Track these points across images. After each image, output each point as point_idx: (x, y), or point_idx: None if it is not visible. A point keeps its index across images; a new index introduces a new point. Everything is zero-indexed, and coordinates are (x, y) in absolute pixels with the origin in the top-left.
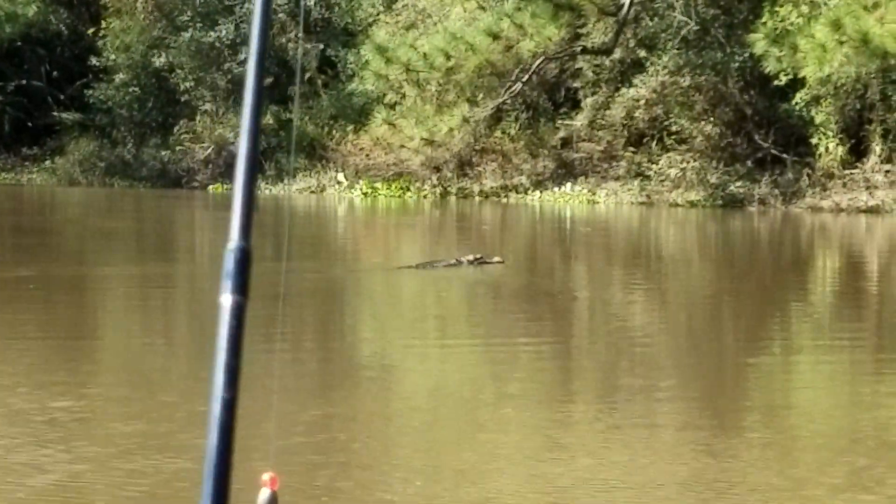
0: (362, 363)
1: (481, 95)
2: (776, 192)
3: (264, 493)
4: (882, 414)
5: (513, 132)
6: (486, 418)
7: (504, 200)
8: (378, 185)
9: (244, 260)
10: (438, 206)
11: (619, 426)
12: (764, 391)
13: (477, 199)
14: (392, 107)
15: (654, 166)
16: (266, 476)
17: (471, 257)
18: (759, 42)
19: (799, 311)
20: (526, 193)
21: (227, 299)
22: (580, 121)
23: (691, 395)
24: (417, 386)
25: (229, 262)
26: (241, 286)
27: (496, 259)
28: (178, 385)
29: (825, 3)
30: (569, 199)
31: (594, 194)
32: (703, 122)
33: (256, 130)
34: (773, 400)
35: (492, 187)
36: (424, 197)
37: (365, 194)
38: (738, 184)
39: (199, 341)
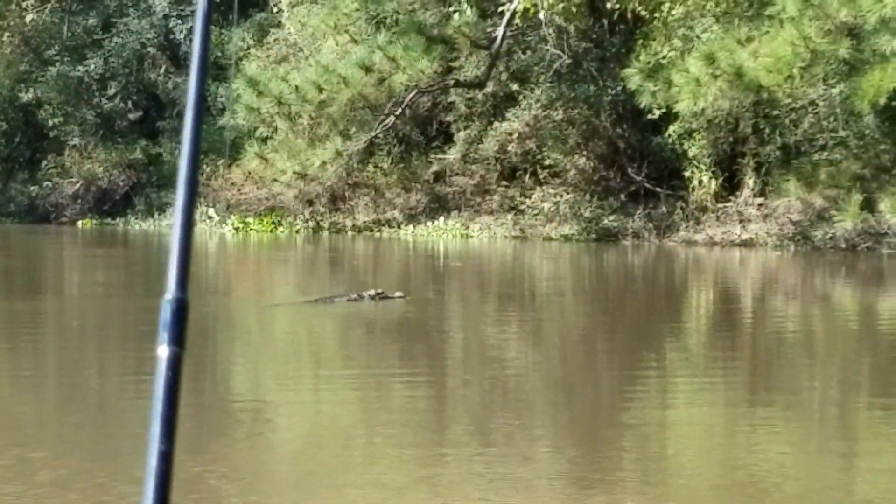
0: (237, 411)
1: (354, 129)
2: (650, 225)
3: None
4: (756, 458)
5: (385, 166)
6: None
7: (377, 235)
8: (250, 219)
9: (181, 311)
10: (311, 241)
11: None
12: (635, 431)
13: (350, 233)
14: (264, 140)
15: (527, 200)
16: None
17: (372, 292)
18: (633, 77)
19: (671, 345)
20: (399, 228)
21: (163, 350)
22: (453, 154)
23: (562, 434)
24: (294, 435)
25: (166, 313)
26: (178, 337)
27: (398, 294)
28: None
29: (698, 38)
30: (442, 234)
31: (468, 228)
32: (576, 156)
33: (194, 180)
34: (646, 440)
35: (364, 222)
36: (297, 231)
37: (236, 229)
38: (612, 217)
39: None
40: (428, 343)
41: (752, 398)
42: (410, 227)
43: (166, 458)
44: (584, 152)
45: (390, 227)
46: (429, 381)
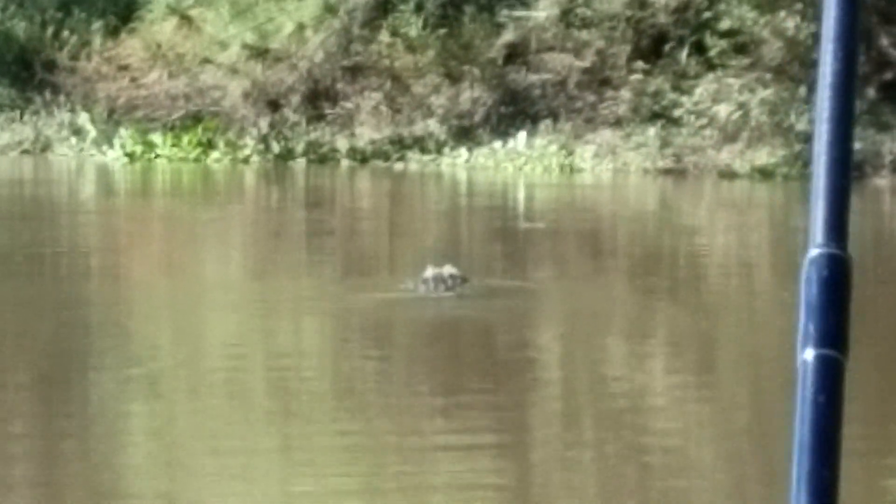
0: None
1: None
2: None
3: None
4: None
5: (414, 33)
6: None
7: (397, 166)
8: (155, 136)
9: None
10: (272, 180)
11: None
12: None
13: (345, 163)
14: None
15: (686, 99)
16: None
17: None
18: None
19: None
20: (440, 153)
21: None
22: (544, 10)
23: None
24: None
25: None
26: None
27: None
28: None
29: None
30: (525, 164)
31: (572, 154)
32: (780, 13)
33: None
34: None
35: (374, 141)
36: (245, 160)
37: (129, 155)
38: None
39: None
40: None
41: None
42: (462, 151)
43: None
44: (797, 6)
45: (423, 151)
46: None
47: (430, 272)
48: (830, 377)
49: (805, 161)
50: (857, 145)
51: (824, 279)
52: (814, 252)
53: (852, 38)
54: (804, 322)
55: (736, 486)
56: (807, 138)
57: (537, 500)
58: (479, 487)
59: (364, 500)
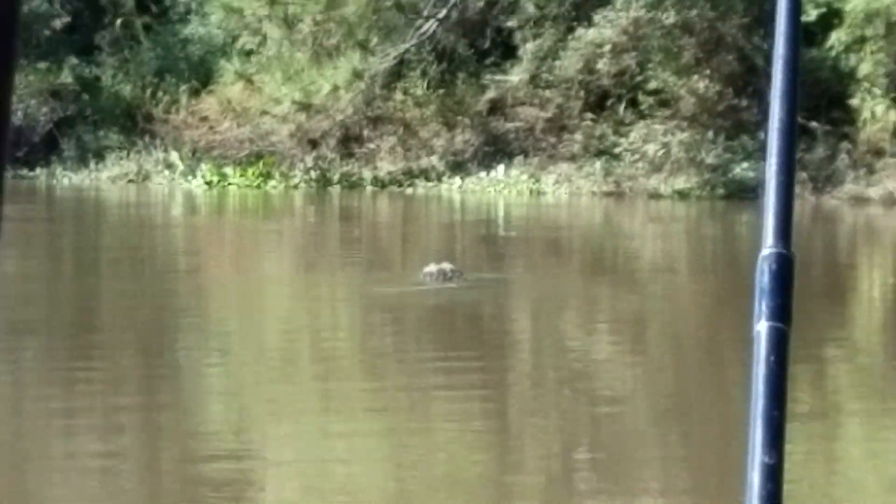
0: None
1: (376, 40)
2: (803, 175)
3: None
4: None
5: (420, 93)
6: None
7: (408, 190)
8: (228, 169)
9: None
10: (314, 202)
11: None
12: None
13: (369, 188)
14: (248, 55)
15: (624, 140)
16: None
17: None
18: None
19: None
20: (440, 181)
21: (763, 325)
22: (517, 76)
23: None
24: None
25: (764, 275)
26: (781, 307)
27: None
28: None
29: None
30: (503, 189)
31: (538, 181)
32: (694, 77)
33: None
34: None
35: (390, 172)
36: (295, 187)
37: (209, 183)
38: (746, 165)
39: None
40: None
41: None
42: (456, 179)
43: (773, 475)
44: (706, 72)
45: (427, 179)
46: None
47: (433, 267)
48: (779, 343)
49: (712, 185)
50: (745, 166)
51: (773, 271)
52: (765, 251)
53: (797, 58)
54: (758, 302)
55: (654, 410)
56: (713, 169)
57: (511, 420)
58: (471, 410)
59: (390, 434)
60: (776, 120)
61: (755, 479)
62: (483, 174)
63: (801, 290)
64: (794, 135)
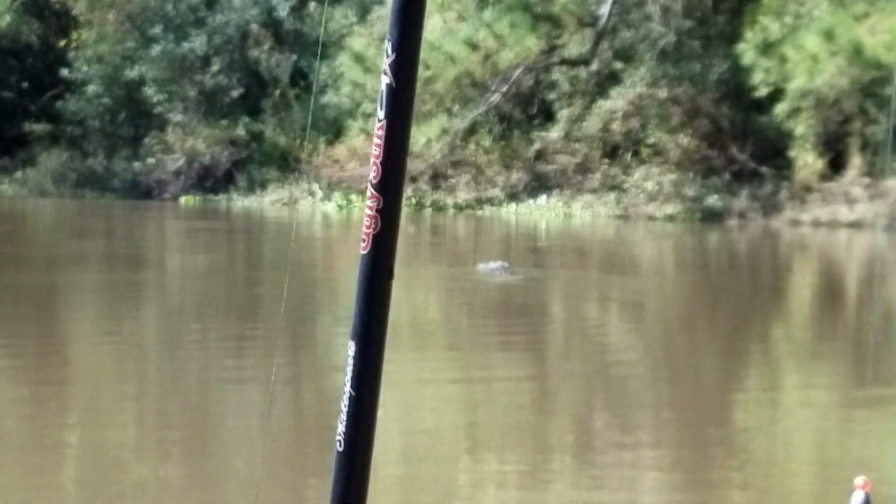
0: None
1: (458, 106)
2: (756, 205)
3: (858, 497)
4: None
5: (487, 144)
6: None
7: (478, 213)
8: (353, 197)
9: None
10: (413, 220)
11: None
12: None
13: (451, 211)
14: (368, 116)
15: (629, 179)
16: (859, 479)
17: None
18: (746, 52)
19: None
20: (500, 206)
21: None
22: (555, 132)
23: None
24: None
25: None
26: None
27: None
28: None
29: (810, 15)
30: (545, 212)
31: (569, 207)
32: (679, 135)
33: None
34: None
35: (466, 200)
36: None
37: (340, 206)
38: (716, 197)
39: None
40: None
41: None
42: (512, 205)
43: None
44: (688, 131)
45: (492, 205)
46: None
47: (492, 264)
48: None
49: (692, 212)
50: (716, 198)
51: None
52: None
53: None
54: None
55: (651, 358)
56: (693, 200)
57: (549, 374)
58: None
59: (457, 383)
60: None
61: None
62: (531, 202)
63: (750, 287)
64: None
